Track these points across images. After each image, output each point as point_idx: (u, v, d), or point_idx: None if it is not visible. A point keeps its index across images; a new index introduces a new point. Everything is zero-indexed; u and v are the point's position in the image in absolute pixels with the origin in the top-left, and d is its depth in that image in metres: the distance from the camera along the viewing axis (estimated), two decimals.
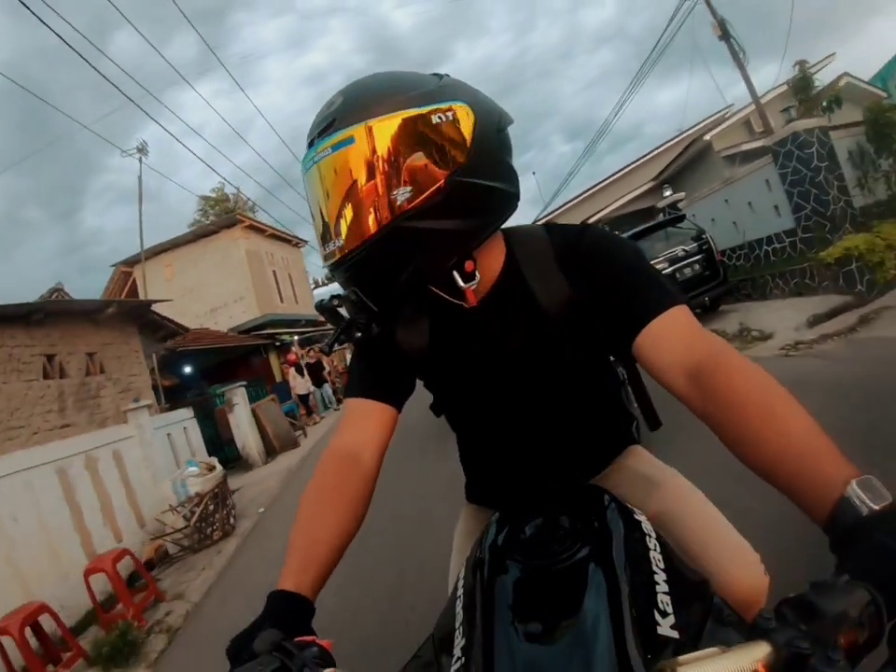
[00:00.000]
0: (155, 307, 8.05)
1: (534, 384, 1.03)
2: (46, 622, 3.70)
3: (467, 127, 0.85)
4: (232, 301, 17.49)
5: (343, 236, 0.84)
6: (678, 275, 8.42)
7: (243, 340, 14.29)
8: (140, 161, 13.94)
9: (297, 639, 0.66)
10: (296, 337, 18.09)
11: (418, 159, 0.82)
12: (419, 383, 1.14)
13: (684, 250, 8.59)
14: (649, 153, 19.58)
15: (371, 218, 0.82)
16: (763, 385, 0.71)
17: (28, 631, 3.50)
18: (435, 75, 0.92)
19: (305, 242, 23.97)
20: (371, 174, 0.81)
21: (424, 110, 0.83)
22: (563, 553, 0.71)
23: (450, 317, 1.00)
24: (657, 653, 0.58)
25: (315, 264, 30.79)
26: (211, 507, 5.73)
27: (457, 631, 0.72)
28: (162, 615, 4.27)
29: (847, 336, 6.01)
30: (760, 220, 9.50)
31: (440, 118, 0.83)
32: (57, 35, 6.69)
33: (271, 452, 10.08)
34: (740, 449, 0.70)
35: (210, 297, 17.39)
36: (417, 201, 0.81)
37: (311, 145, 0.86)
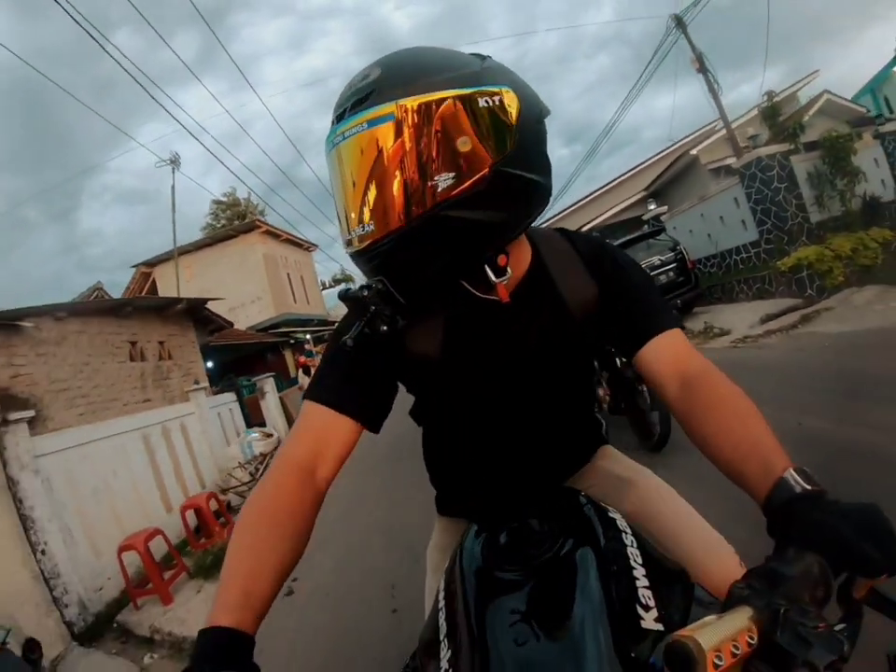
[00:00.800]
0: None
1: (542, 381, 1.01)
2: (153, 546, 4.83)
3: (512, 114, 0.79)
4: (250, 301, 18.52)
5: (374, 222, 0.78)
6: (654, 281, 9.61)
7: (262, 337, 15.39)
8: (173, 171, 15.02)
9: None
10: (308, 336, 19.18)
11: (463, 143, 0.75)
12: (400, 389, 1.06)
13: (661, 259, 9.82)
14: (640, 164, 20.44)
15: (408, 205, 0.76)
16: (735, 396, 0.82)
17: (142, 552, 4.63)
18: (476, 55, 0.85)
19: (316, 246, 25.20)
20: (411, 155, 0.75)
21: (471, 91, 0.76)
22: (541, 556, 0.73)
23: (472, 313, 0.95)
24: (643, 647, 0.60)
25: (324, 266, 31.79)
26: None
27: (442, 643, 0.72)
28: None
29: (788, 332, 7.31)
30: (730, 233, 10.77)
31: (486, 101, 0.77)
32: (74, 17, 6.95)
33: None
34: (707, 441, 0.79)
35: (228, 297, 18.51)
36: (460, 189, 0.76)
37: (340, 118, 0.78)
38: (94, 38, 7.60)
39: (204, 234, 23.51)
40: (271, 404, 10.83)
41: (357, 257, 0.83)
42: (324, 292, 29.36)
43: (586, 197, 21.48)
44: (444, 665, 0.68)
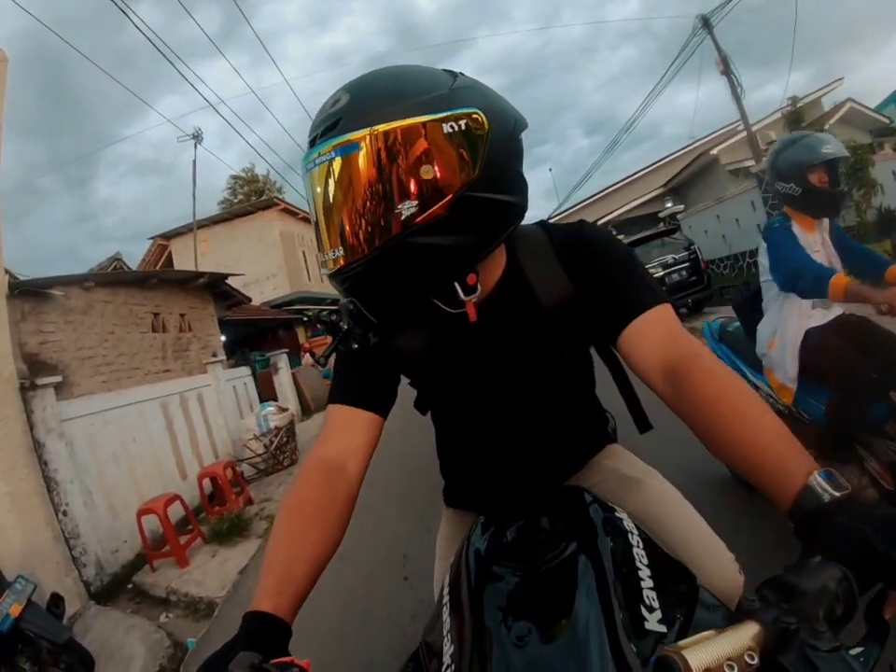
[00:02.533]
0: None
1: (525, 383, 1.02)
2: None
3: (480, 137, 0.78)
4: (265, 277, 18.67)
5: (344, 247, 0.79)
6: (667, 279, 9.75)
7: (277, 314, 15.63)
8: (195, 146, 15.17)
9: (274, 661, 0.63)
10: (323, 314, 19.34)
11: (426, 171, 0.75)
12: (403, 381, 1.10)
13: (674, 258, 9.92)
14: (660, 160, 20.56)
15: (374, 232, 0.76)
16: (734, 387, 0.75)
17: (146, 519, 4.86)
18: (447, 72, 0.84)
19: None
20: (375, 184, 0.75)
21: (436, 117, 0.76)
22: (547, 554, 0.72)
23: (448, 324, 0.95)
24: (647, 649, 0.59)
25: None
26: (284, 439, 7.25)
27: (446, 638, 0.72)
28: (258, 510, 5.65)
29: None
30: (744, 236, 10.87)
31: (452, 126, 0.77)
32: None
33: (306, 411, 11.64)
34: (712, 444, 0.75)
35: (244, 273, 18.63)
36: (423, 216, 0.76)
37: (313, 143, 0.79)
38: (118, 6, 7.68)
39: (221, 209, 23.71)
40: (284, 380, 11.12)
41: (331, 279, 0.84)
42: None
43: (604, 190, 21.71)
44: (447, 660, 0.69)
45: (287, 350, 12.09)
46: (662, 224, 13.61)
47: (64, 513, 4.47)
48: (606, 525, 0.79)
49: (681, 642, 0.46)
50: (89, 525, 4.60)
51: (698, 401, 0.76)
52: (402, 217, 0.76)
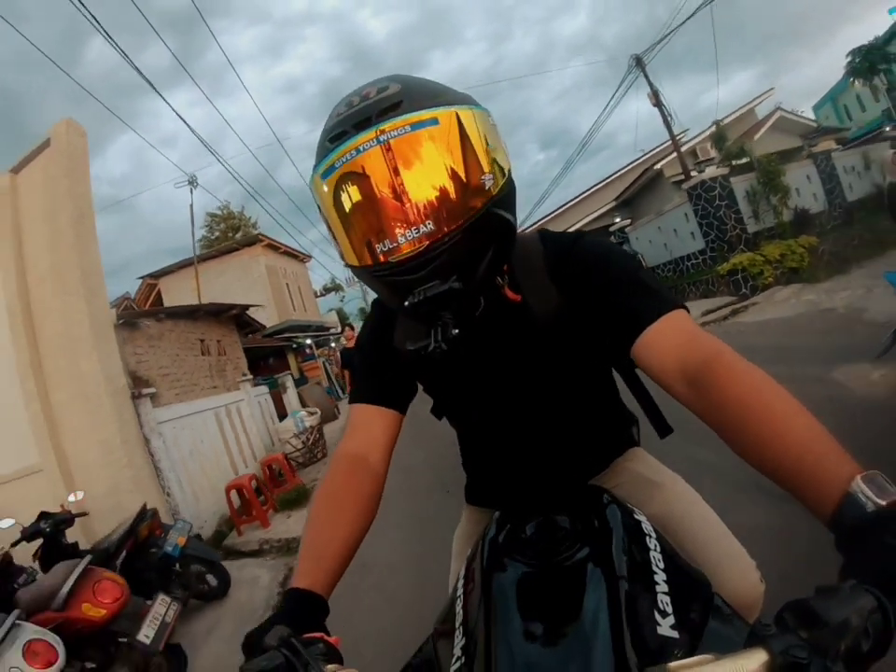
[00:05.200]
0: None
1: (529, 389, 1.04)
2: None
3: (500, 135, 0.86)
4: (254, 309, 19.95)
5: (433, 221, 0.76)
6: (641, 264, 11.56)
7: (272, 342, 16.89)
8: (191, 192, 16.43)
9: (305, 636, 0.66)
10: (309, 340, 20.63)
11: (493, 150, 0.81)
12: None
13: None
14: (611, 175, 22.26)
15: (468, 199, 0.78)
16: (762, 386, 0.69)
17: (234, 494, 6.20)
18: None
19: (310, 257, 26.87)
20: (461, 155, 0.77)
21: (483, 111, 0.83)
22: (563, 552, 0.72)
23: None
24: (657, 653, 0.58)
25: (318, 275, 32.92)
26: (317, 435, 8.83)
27: (457, 630, 0.72)
28: (312, 486, 6.96)
29: (720, 322, 9.20)
30: (682, 243, 12.69)
31: (492, 122, 0.85)
32: None
33: None
34: (742, 449, 0.68)
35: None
36: (498, 188, 0.80)
37: (363, 126, 0.76)
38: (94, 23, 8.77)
39: (200, 246, 24.87)
40: (292, 397, 12.63)
41: (415, 259, 0.78)
42: (318, 300, 30.92)
43: (562, 206, 23.27)
44: (457, 652, 0.68)
45: (290, 373, 13.74)
46: (612, 237, 15.40)
47: (168, 494, 5.82)
48: (624, 526, 0.77)
49: (674, 663, 0.44)
50: (183, 505, 5.94)
51: (725, 402, 0.70)
52: (486, 188, 0.79)
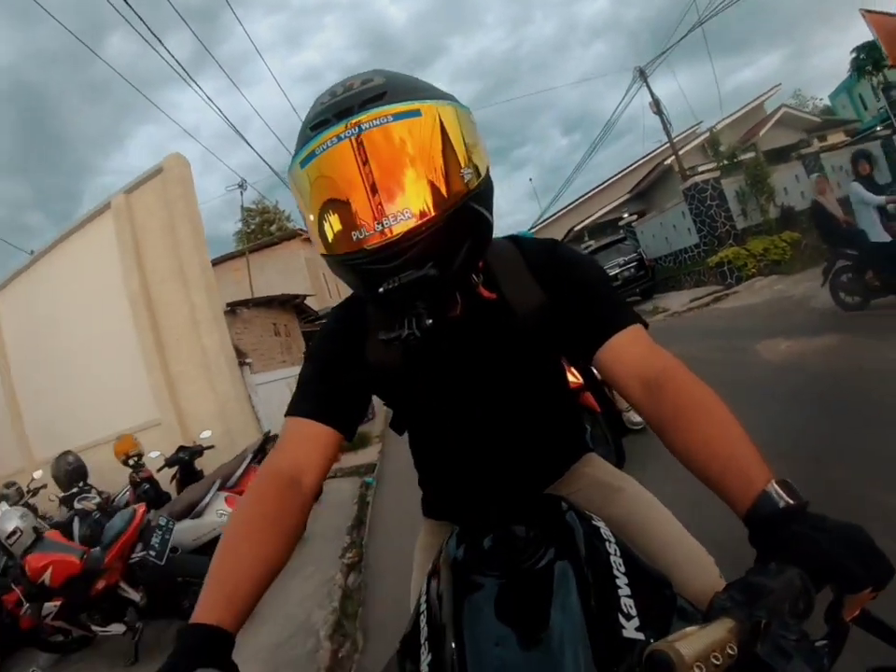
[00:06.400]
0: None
1: (500, 391, 1.03)
2: None
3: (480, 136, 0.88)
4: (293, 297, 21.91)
5: (410, 210, 0.76)
6: (619, 276, 13.45)
7: (313, 327, 18.85)
8: (241, 194, 18.31)
9: None
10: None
11: (473, 146, 0.82)
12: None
13: (624, 259, 13.66)
14: (627, 168, 23.65)
15: (447, 191, 0.78)
16: (707, 398, 0.78)
17: None
18: None
19: None
20: (441, 148, 0.78)
21: (464, 108, 0.84)
22: (523, 562, 0.72)
23: (427, 332, 0.85)
24: (624, 656, 0.59)
25: None
26: None
27: (423, 646, 0.72)
28: (367, 433, 8.85)
29: (702, 308, 10.87)
30: (679, 237, 14.35)
31: (472, 119, 0.86)
32: None
33: None
34: (680, 449, 0.77)
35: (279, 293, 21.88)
36: (476, 183, 0.81)
37: (345, 115, 0.76)
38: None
39: (236, 239, 26.80)
40: None
41: (389, 247, 0.77)
42: None
43: (579, 198, 24.77)
44: (424, 668, 0.68)
45: None
46: (621, 231, 17.06)
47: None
48: (583, 532, 0.78)
49: (670, 637, 0.47)
50: None
51: (674, 408, 0.79)
52: (465, 181, 0.79)
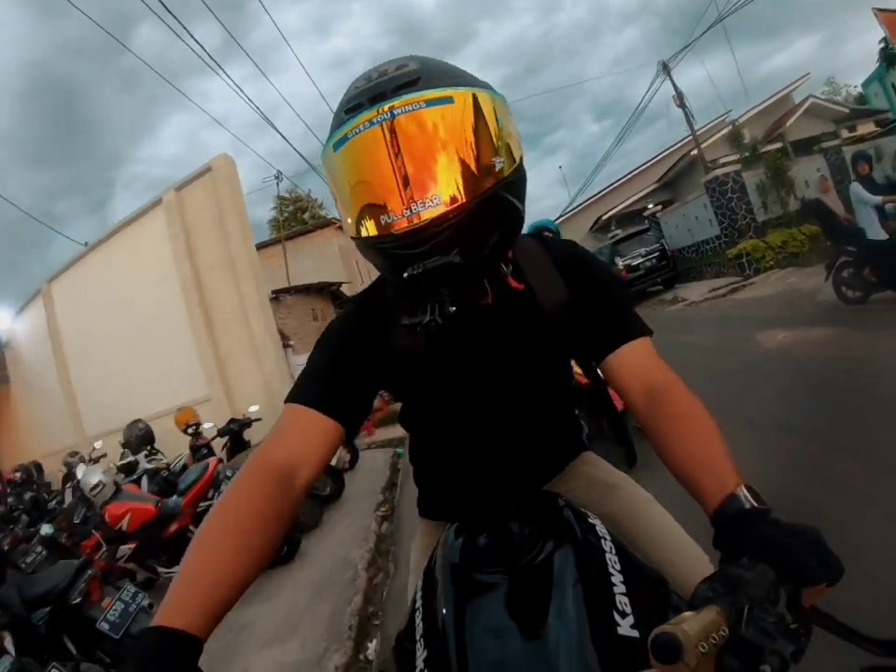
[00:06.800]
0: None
1: (518, 384, 1.03)
2: None
3: (516, 125, 0.88)
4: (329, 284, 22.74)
5: (440, 196, 0.76)
6: (641, 267, 14.03)
7: None
8: (277, 185, 19.10)
9: None
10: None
11: (507, 135, 0.82)
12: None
13: (646, 250, 14.15)
14: (654, 158, 23.91)
15: (478, 179, 0.78)
16: (697, 410, 0.84)
17: None
18: None
19: None
20: (474, 136, 0.78)
21: (499, 96, 0.84)
22: (519, 559, 0.73)
23: (460, 317, 0.84)
24: (619, 654, 0.61)
25: None
26: None
27: (419, 643, 0.73)
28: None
29: (718, 298, 11.31)
30: (702, 229, 14.69)
31: (507, 108, 0.86)
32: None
33: None
34: (667, 449, 0.82)
35: (313, 281, 22.67)
36: (508, 172, 0.81)
37: (378, 99, 0.76)
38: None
39: (270, 227, 27.63)
40: None
41: (417, 233, 0.77)
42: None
43: (608, 186, 25.01)
44: (420, 664, 0.69)
45: None
46: (646, 221, 17.42)
47: None
48: (578, 530, 0.78)
49: (672, 621, 0.49)
50: None
51: (668, 417, 0.84)
52: (497, 169, 0.79)
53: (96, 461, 7.58)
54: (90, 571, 3.37)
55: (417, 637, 0.74)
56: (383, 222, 0.79)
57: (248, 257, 8.73)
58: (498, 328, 1.00)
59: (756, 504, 0.68)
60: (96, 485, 4.93)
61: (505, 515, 0.85)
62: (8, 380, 14.54)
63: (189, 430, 6.83)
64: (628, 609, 0.66)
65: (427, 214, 0.76)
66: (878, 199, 6.20)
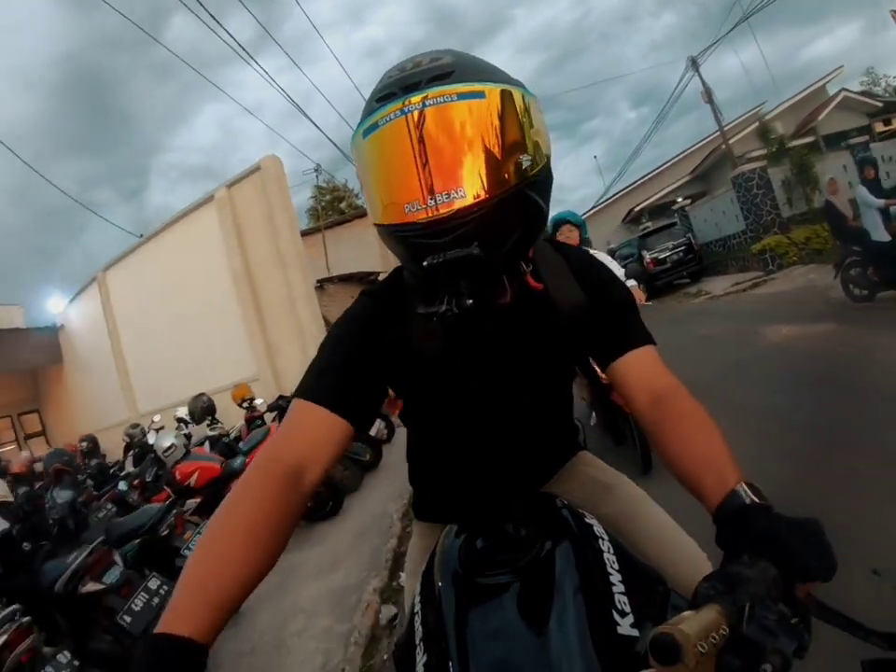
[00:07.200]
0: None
1: (528, 384, 1.04)
2: None
3: (545, 125, 0.88)
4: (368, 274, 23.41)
5: (465, 188, 0.76)
6: (668, 260, 14.51)
7: None
8: (317, 177, 19.90)
9: None
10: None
11: (536, 133, 0.83)
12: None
13: (673, 243, 14.60)
14: (687, 150, 23.99)
15: (502, 174, 0.78)
16: (699, 413, 0.87)
17: None
18: None
19: None
20: (504, 131, 0.78)
21: (531, 95, 0.85)
22: (518, 561, 0.73)
23: (478, 313, 0.85)
24: (619, 653, 0.61)
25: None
26: None
27: (418, 647, 0.73)
28: None
29: (739, 293, 11.67)
30: (728, 223, 15.03)
31: (538, 107, 0.86)
32: None
33: None
34: (669, 451, 0.85)
35: (350, 270, 23.18)
36: (534, 171, 0.81)
37: (411, 89, 0.77)
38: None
39: (308, 216, 28.41)
40: None
41: (439, 224, 0.77)
42: None
43: (642, 178, 25.19)
44: (420, 669, 0.69)
45: None
46: (675, 215, 17.76)
47: None
48: (576, 530, 0.79)
49: (671, 621, 0.49)
50: None
51: (671, 420, 0.87)
52: (523, 167, 0.79)
53: (157, 431, 8.46)
54: (175, 510, 4.17)
55: (417, 642, 0.74)
56: (406, 210, 0.79)
57: (295, 249, 9.55)
58: (516, 326, 1.00)
59: (756, 500, 0.69)
60: (168, 448, 5.75)
61: (503, 517, 0.85)
62: (62, 360, 15.71)
63: (244, 404, 7.58)
64: (627, 609, 0.67)
65: (451, 206, 0.77)
66: (881, 202, 6.59)
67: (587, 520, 0.84)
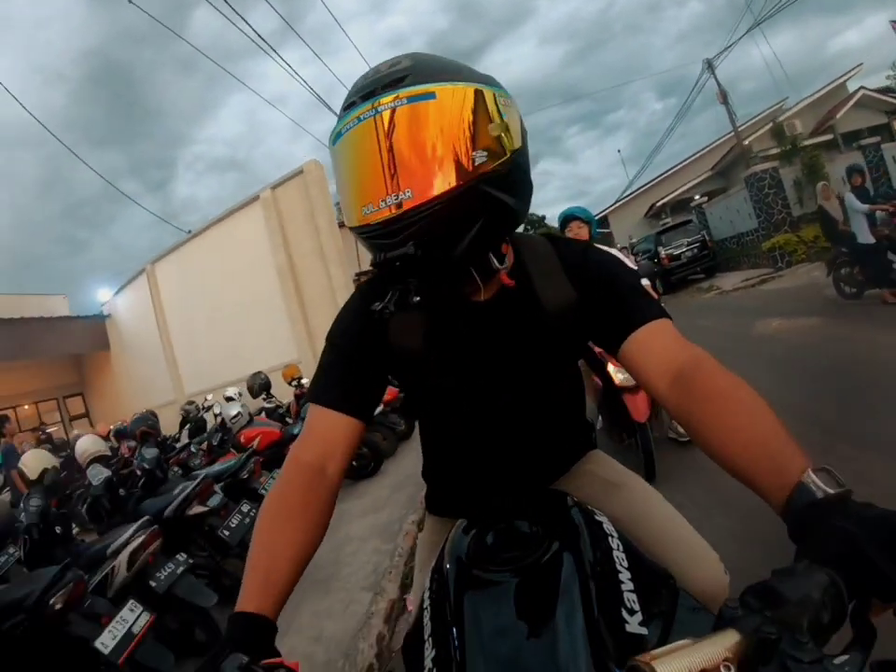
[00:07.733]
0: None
1: (517, 383, 1.03)
2: None
3: (517, 117, 0.90)
4: None
5: (415, 188, 0.79)
6: (683, 256, 15.22)
7: None
8: None
9: (264, 662, 0.64)
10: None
11: (493, 129, 0.83)
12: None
13: (688, 240, 15.32)
14: (709, 145, 24.17)
15: (452, 172, 0.79)
16: (737, 385, 0.76)
17: None
18: None
19: None
20: (454, 130, 0.80)
21: (493, 90, 0.85)
22: (527, 557, 0.72)
23: (453, 312, 0.96)
24: (627, 651, 0.58)
25: None
26: None
27: (427, 642, 0.73)
28: None
29: (747, 289, 12.34)
30: (742, 221, 15.60)
31: (504, 102, 0.86)
32: None
33: None
34: (710, 438, 0.74)
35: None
36: (491, 167, 0.82)
37: (369, 96, 0.81)
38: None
39: (338, 209, 29.15)
40: None
41: (392, 224, 0.80)
42: None
43: (664, 173, 25.44)
44: (428, 664, 0.69)
45: None
46: (693, 212, 18.33)
47: None
48: (586, 528, 0.78)
49: (655, 651, 0.44)
50: None
51: (702, 400, 0.76)
52: (476, 163, 0.80)
53: (207, 409, 9.44)
54: (254, 458, 5.14)
55: (426, 637, 0.74)
56: (363, 213, 0.82)
57: (335, 245, 10.55)
58: (492, 324, 1.00)
59: (829, 490, 0.58)
60: (235, 416, 6.68)
61: (513, 513, 0.85)
62: (109, 346, 17.01)
63: (293, 383, 8.49)
64: (636, 607, 0.66)
65: (401, 205, 0.79)
66: (866, 207, 7.23)
67: (597, 517, 0.83)
